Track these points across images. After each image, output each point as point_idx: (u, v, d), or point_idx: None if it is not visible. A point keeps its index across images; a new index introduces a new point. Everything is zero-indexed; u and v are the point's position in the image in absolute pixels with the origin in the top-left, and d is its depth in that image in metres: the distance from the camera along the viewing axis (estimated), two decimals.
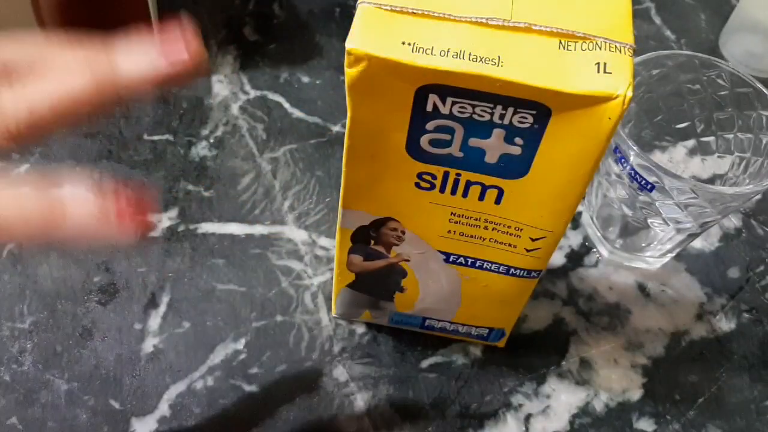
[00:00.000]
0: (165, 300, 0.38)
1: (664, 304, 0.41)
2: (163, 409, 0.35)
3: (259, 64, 0.48)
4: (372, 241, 0.31)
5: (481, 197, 0.27)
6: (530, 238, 0.29)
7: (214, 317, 0.38)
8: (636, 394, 0.37)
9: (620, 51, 0.23)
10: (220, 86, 0.47)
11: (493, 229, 0.29)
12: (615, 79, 0.22)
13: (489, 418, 0.36)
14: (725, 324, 0.40)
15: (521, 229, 0.29)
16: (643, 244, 0.40)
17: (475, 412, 0.36)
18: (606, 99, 0.22)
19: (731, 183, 0.39)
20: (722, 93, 0.38)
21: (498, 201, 0.27)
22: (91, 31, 0.44)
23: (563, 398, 0.37)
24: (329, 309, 0.38)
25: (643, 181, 0.35)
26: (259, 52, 0.49)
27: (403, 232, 0.30)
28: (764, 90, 0.36)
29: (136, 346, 0.36)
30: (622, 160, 0.35)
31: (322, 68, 0.49)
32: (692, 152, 0.41)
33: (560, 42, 0.23)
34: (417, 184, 0.27)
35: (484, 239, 0.30)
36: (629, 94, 0.22)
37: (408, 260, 0.32)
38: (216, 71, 0.48)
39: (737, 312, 0.41)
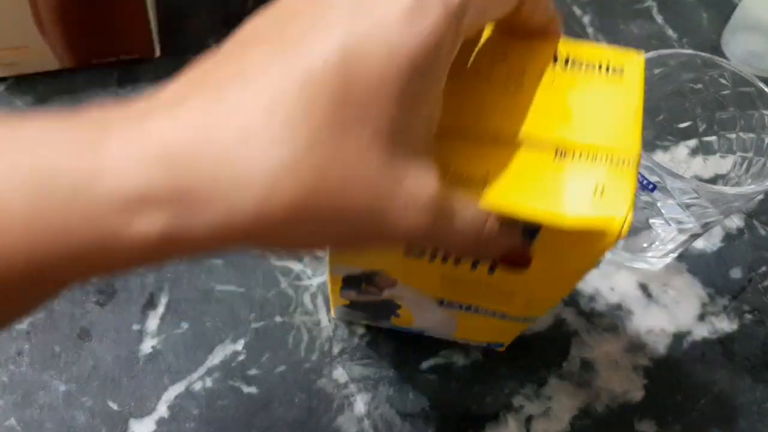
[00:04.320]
0: (163, 301, 0.38)
1: (665, 304, 0.41)
2: (162, 410, 0.34)
3: None
4: (363, 284, 0.30)
5: (474, 267, 0.25)
6: (527, 299, 0.28)
7: (213, 318, 0.37)
8: (637, 396, 0.37)
9: (622, 164, 0.21)
10: None
11: (486, 288, 0.27)
12: (612, 203, 0.20)
13: (489, 420, 0.36)
14: (727, 325, 0.40)
15: (513, 294, 0.27)
16: (645, 245, 0.40)
17: (475, 414, 0.36)
18: (599, 227, 0.20)
19: (733, 183, 0.39)
20: (724, 92, 0.38)
21: (491, 271, 0.26)
22: (88, 31, 0.44)
23: (564, 400, 0.37)
24: (328, 310, 0.38)
25: (645, 181, 0.34)
26: None
27: (395, 281, 0.29)
28: (766, 89, 0.36)
29: (134, 347, 0.36)
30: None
31: None
32: (694, 152, 0.41)
33: (556, 150, 0.21)
34: (406, 253, 0.26)
35: (480, 284, 0.28)
36: (629, 219, 0.20)
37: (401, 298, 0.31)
38: None
39: (739, 313, 0.41)
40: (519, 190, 0.20)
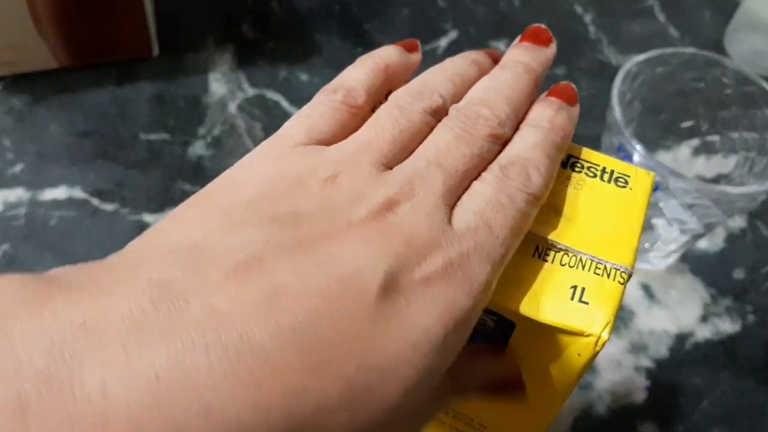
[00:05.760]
0: None
1: (668, 305, 0.40)
2: None
3: (258, 62, 0.48)
4: None
5: None
6: None
7: None
8: (640, 397, 0.37)
9: (608, 275, 0.19)
10: (218, 84, 0.46)
11: (453, 417, 0.24)
12: (590, 313, 0.18)
13: None
14: (730, 326, 0.40)
15: (486, 428, 0.24)
16: (647, 245, 0.40)
17: None
18: (575, 334, 0.18)
19: (736, 183, 0.38)
20: (727, 92, 0.38)
21: None
22: (86, 30, 0.44)
23: (566, 401, 0.36)
24: None
25: None
26: (257, 50, 0.48)
27: None
28: None
29: None
30: (626, 160, 0.34)
31: (321, 66, 0.48)
32: (697, 151, 0.41)
33: (537, 248, 0.19)
34: None
35: (444, 423, 0.25)
36: (605, 335, 0.18)
37: None
38: (213, 69, 0.47)
39: (742, 313, 0.40)
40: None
